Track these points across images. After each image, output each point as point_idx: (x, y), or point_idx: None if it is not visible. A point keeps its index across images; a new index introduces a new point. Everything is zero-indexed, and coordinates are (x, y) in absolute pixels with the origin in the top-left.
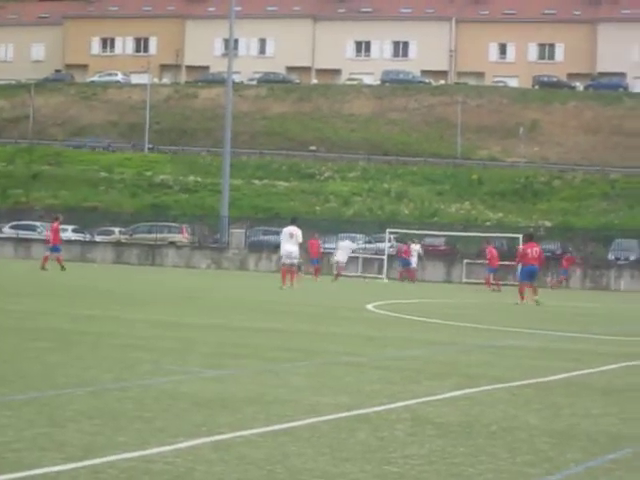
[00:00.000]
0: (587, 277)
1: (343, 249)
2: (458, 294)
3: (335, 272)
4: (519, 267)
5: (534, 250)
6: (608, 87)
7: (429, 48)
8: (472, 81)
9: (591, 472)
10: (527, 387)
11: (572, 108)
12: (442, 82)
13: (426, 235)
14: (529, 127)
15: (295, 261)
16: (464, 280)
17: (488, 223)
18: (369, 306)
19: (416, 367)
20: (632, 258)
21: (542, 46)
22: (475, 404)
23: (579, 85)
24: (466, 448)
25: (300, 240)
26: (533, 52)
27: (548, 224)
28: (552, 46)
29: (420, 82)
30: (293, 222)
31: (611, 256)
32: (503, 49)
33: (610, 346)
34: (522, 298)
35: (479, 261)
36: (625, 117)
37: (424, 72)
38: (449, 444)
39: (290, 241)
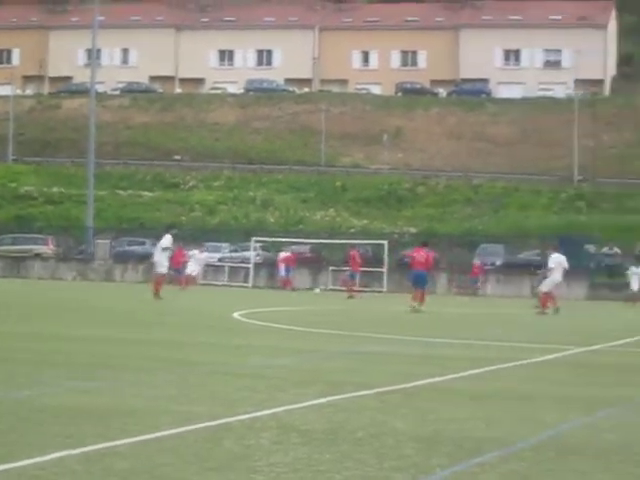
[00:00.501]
0: (453, 282)
1: (196, 260)
2: (324, 301)
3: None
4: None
5: (421, 255)
6: (471, 93)
7: (293, 56)
8: (336, 89)
9: (457, 476)
10: (393, 393)
11: (435, 114)
12: (306, 90)
13: (291, 243)
14: (393, 134)
15: (164, 270)
16: (330, 287)
17: (353, 230)
18: (235, 315)
19: (281, 375)
20: (498, 263)
21: (405, 53)
22: (340, 411)
23: (442, 92)
24: (332, 455)
25: (163, 248)
26: (396, 59)
27: (413, 230)
28: (415, 53)
29: (284, 90)
30: (168, 231)
31: (476, 261)
32: (366, 57)
33: (475, 351)
34: (413, 302)
35: (345, 268)
36: (488, 123)
37: (288, 80)
38: (315, 451)
39: (161, 251)
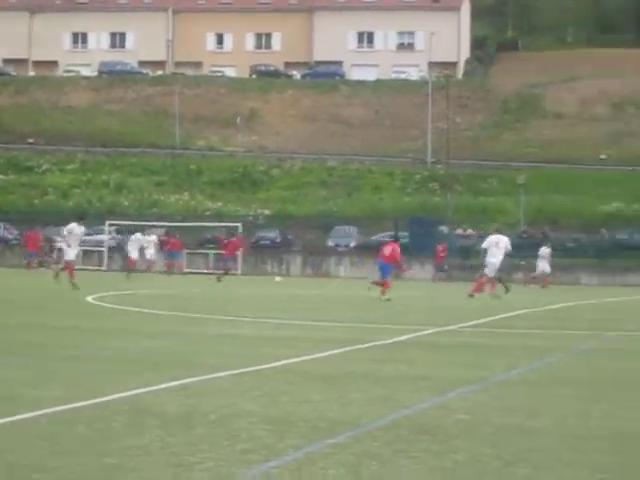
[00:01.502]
0: (307, 264)
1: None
2: (180, 284)
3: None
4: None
5: (385, 248)
6: (325, 75)
7: (146, 38)
8: (190, 71)
9: (310, 457)
10: (246, 375)
11: (290, 97)
12: (160, 72)
13: (146, 226)
14: (247, 116)
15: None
16: (185, 270)
17: (208, 213)
18: (89, 298)
19: (135, 358)
20: (352, 245)
21: (259, 35)
22: (194, 393)
23: (296, 74)
24: (185, 437)
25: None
26: (250, 41)
27: (267, 212)
28: (269, 35)
29: (138, 73)
30: (80, 219)
31: (330, 243)
32: (220, 39)
33: (329, 333)
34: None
35: (200, 251)
36: (342, 105)
37: (142, 63)
38: (168, 434)
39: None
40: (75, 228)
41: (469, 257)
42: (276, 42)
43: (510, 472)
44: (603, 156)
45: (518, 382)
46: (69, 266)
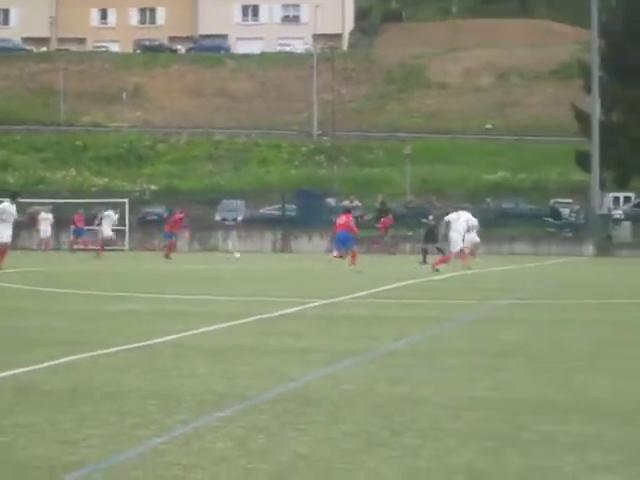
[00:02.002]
0: (195, 239)
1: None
2: (64, 261)
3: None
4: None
5: (341, 219)
6: (210, 49)
7: (29, 15)
8: (74, 47)
9: (198, 431)
10: (133, 351)
11: (174, 72)
12: (44, 49)
13: (33, 203)
14: (132, 92)
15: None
16: (74, 247)
17: (94, 189)
18: None
19: (23, 336)
20: (239, 218)
21: (143, 10)
22: (82, 370)
23: (181, 48)
24: (73, 414)
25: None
26: (134, 16)
27: (154, 188)
28: (153, 10)
29: (21, 50)
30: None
31: (218, 217)
32: (104, 14)
33: (215, 307)
34: (352, 263)
35: (89, 227)
36: (227, 79)
37: (25, 39)
38: (56, 411)
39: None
40: (7, 207)
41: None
42: (160, 16)
43: (397, 442)
44: (488, 126)
45: (405, 352)
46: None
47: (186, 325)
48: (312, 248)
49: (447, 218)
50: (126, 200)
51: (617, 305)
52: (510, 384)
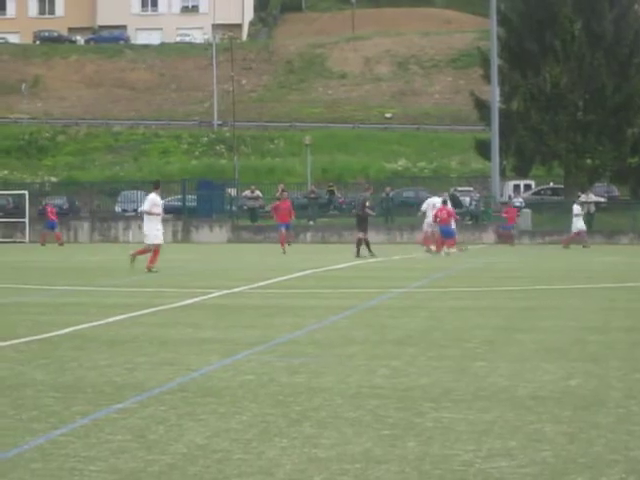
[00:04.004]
0: (95, 230)
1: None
2: None
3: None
4: None
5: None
6: (109, 40)
7: None
8: None
9: (97, 423)
10: (32, 343)
11: (74, 62)
12: None
13: None
14: (31, 83)
15: None
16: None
17: None
18: None
19: None
20: (139, 210)
21: (42, 1)
22: None
23: (80, 39)
24: None
25: None
26: (33, 7)
27: (54, 179)
28: (52, 1)
29: None
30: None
31: (118, 208)
32: (3, 5)
33: (116, 298)
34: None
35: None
36: (127, 70)
37: None
38: None
39: None
40: (156, 198)
41: (257, 219)
42: (59, 7)
43: (295, 431)
44: (388, 115)
45: (304, 342)
46: None
47: (86, 317)
48: (214, 238)
49: (424, 206)
50: (26, 192)
51: (515, 292)
52: (408, 372)
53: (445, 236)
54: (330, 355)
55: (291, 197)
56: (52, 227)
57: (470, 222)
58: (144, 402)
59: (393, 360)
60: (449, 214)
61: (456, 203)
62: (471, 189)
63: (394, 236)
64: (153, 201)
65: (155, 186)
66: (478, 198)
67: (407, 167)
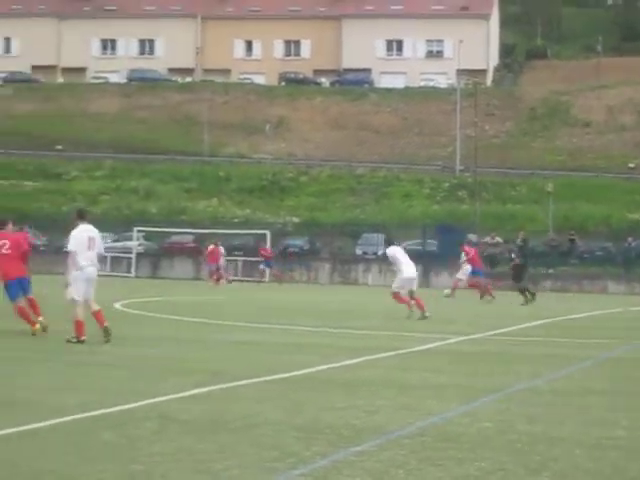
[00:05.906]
0: (335, 272)
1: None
2: (206, 291)
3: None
4: None
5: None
6: (353, 83)
7: (175, 46)
8: (219, 78)
9: (336, 465)
10: (270, 383)
11: (318, 104)
12: (189, 79)
13: (174, 233)
14: (276, 123)
15: None
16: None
17: (236, 220)
18: (117, 305)
19: (161, 365)
20: (379, 252)
21: (288, 43)
22: (219, 400)
23: (325, 81)
24: (211, 445)
25: None
26: (279, 49)
27: (296, 220)
28: (298, 43)
29: (166, 80)
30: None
31: (358, 251)
32: (249, 46)
33: (353, 340)
34: None
35: (229, 258)
36: (370, 112)
37: (171, 70)
38: (195, 441)
39: None
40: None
41: (495, 265)
42: (305, 49)
43: None
44: (631, 165)
45: (542, 391)
46: None
47: (323, 358)
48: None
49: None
50: (267, 232)
51: None
52: None
53: None
54: (568, 404)
55: (532, 244)
56: (269, 266)
57: None
58: (383, 445)
59: (634, 412)
60: None
61: None
62: None
63: (632, 287)
64: None
65: None
66: None
67: None
